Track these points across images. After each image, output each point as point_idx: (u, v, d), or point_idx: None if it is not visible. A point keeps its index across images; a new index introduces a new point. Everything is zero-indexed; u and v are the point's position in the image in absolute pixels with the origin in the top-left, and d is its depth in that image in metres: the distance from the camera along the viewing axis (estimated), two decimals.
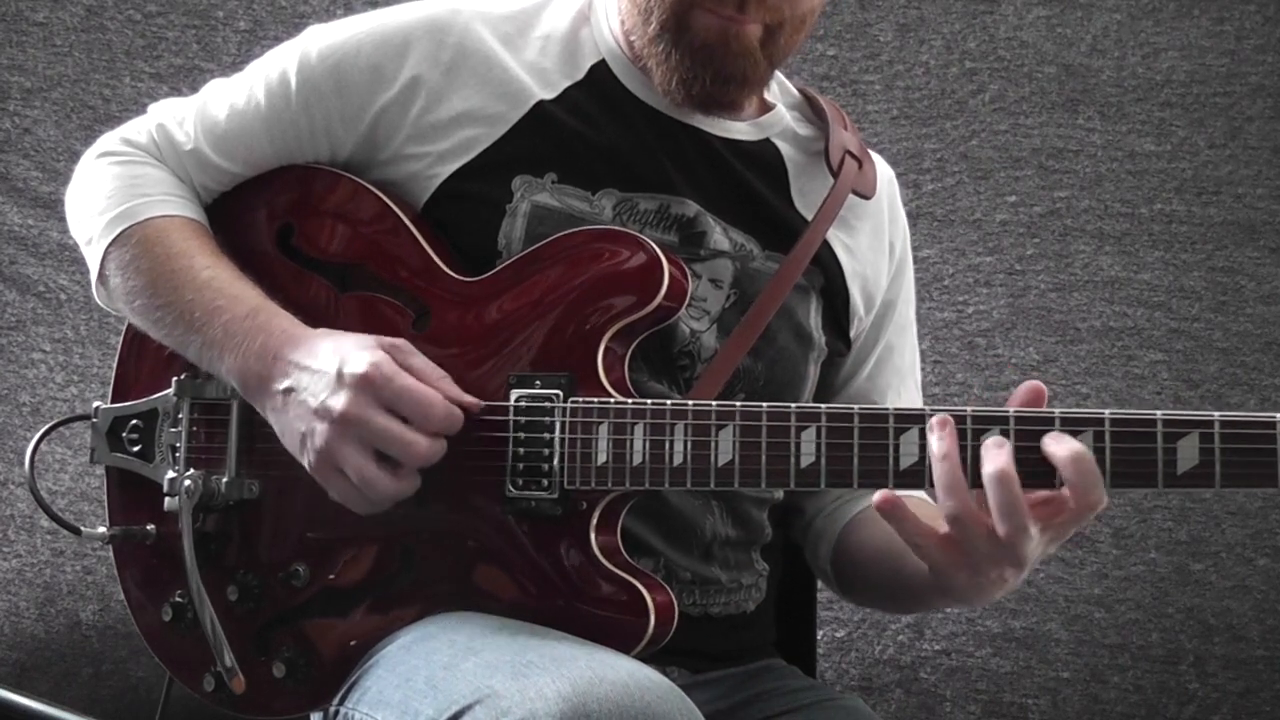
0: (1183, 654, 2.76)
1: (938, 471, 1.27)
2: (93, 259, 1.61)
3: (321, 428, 1.38)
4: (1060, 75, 2.89)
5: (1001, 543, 1.27)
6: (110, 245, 1.58)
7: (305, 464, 1.42)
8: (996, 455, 1.25)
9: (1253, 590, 2.76)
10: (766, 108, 1.69)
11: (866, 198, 1.67)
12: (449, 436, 1.40)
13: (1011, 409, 1.29)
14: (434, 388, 1.39)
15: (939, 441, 1.27)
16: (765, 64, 1.55)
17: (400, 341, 1.42)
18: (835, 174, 1.63)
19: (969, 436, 1.29)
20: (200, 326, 1.50)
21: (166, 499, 1.55)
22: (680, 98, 1.55)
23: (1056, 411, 1.28)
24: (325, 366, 1.39)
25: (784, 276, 1.56)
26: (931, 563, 1.33)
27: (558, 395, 1.41)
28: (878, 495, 1.29)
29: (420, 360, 1.41)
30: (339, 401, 1.36)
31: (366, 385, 1.36)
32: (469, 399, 1.41)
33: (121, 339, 1.69)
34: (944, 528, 1.29)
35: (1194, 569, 2.77)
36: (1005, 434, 1.28)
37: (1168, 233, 2.85)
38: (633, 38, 1.58)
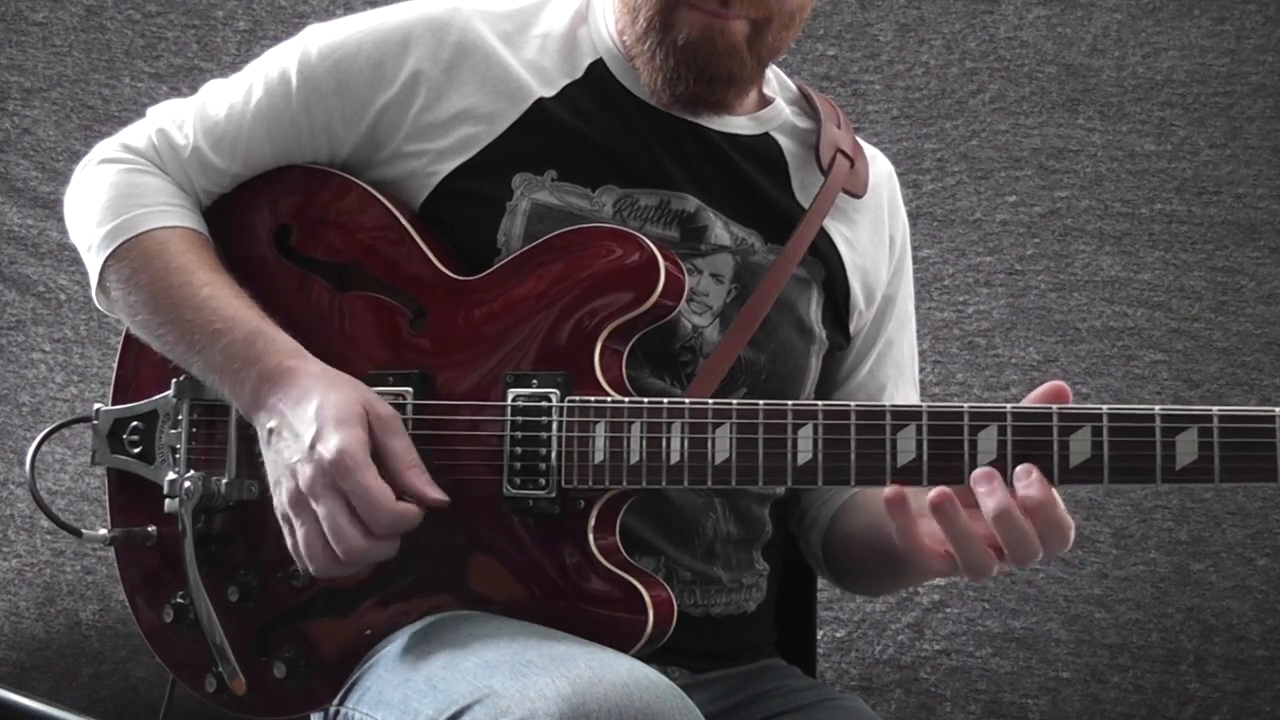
0: (1183, 654, 2.76)
1: (948, 531, 1.29)
2: (92, 268, 1.61)
3: (288, 485, 1.40)
4: (1060, 75, 2.89)
5: (1008, 561, 1.30)
6: (109, 258, 1.58)
7: (274, 505, 1.43)
8: (991, 492, 1.27)
9: (1253, 590, 2.76)
10: (766, 102, 1.69)
11: (857, 196, 1.67)
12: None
13: (1008, 406, 1.29)
14: (403, 476, 1.38)
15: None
16: (753, 62, 1.55)
17: (389, 415, 1.41)
18: (825, 172, 1.63)
19: (965, 435, 1.30)
20: (201, 349, 1.50)
21: (167, 500, 1.55)
22: (666, 98, 1.56)
23: (1054, 408, 1.28)
24: (303, 429, 1.39)
25: (780, 269, 1.56)
26: (929, 568, 1.35)
27: (554, 394, 1.41)
28: (888, 489, 1.30)
29: (399, 443, 1.40)
30: (304, 473, 1.37)
31: (331, 470, 1.36)
32: (434, 495, 1.39)
33: (122, 340, 1.69)
34: (950, 547, 1.31)
35: (1194, 569, 2.77)
36: (1002, 430, 1.29)
37: (1168, 233, 2.85)
38: (624, 36, 1.58)
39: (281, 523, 1.43)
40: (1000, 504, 1.26)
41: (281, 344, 1.48)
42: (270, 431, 1.43)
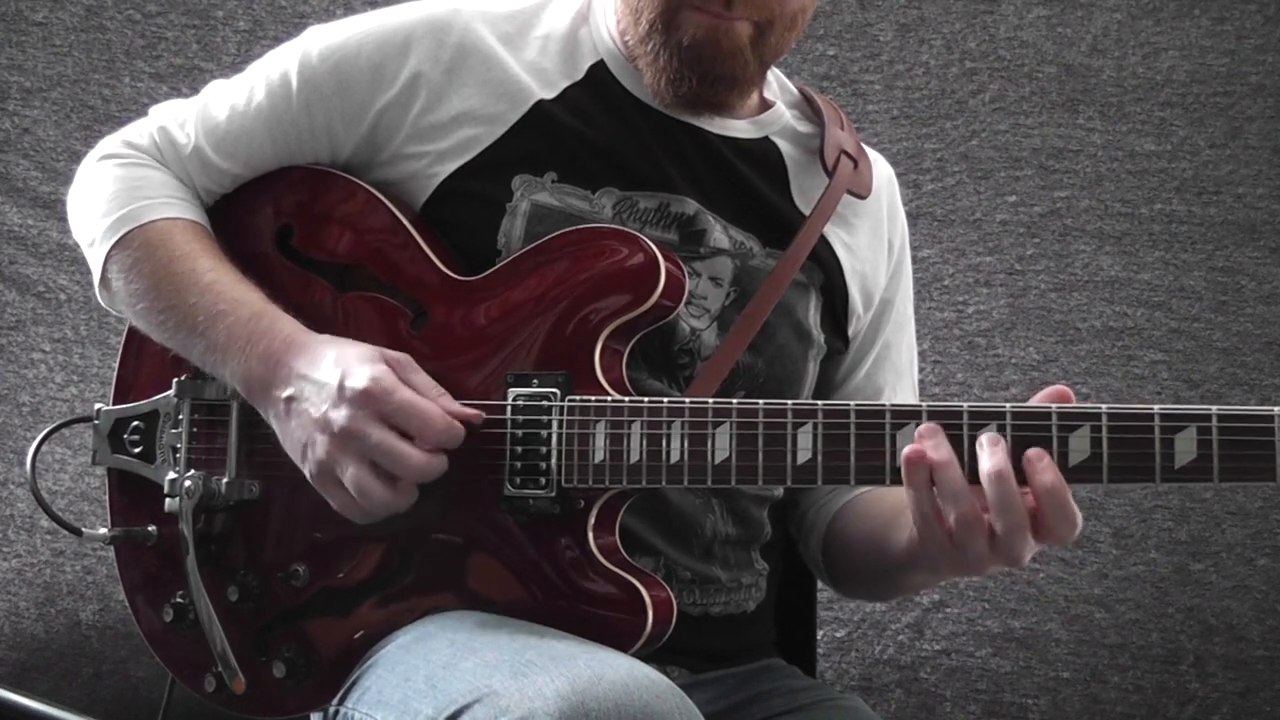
0: (1183, 654, 2.76)
1: (939, 479, 1.27)
2: (95, 262, 1.61)
3: (322, 439, 1.39)
4: (1060, 75, 2.89)
5: (999, 541, 1.28)
6: (113, 248, 1.58)
7: (306, 473, 1.42)
8: (993, 452, 1.26)
9: (1253, 590, 2.76)
10: (766, 105, 1.69)
11: (861, 198, 1.67)
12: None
13: (1008, 405, 1.29)
14: (436, 404, 1.39)
15: (935, 450, 1.28)
16: (755, 64, 1.55)
17: (402, 356, 1.42)
18: (830, 174, 1.63)
19: (965, 431, 1.30)
20: (204, 330, 1.50)
21: (167, 500, 1.55)
22: (669, 98, 1.56)
23: (1053, 407, 1.28)
24: (327, 378, 1.39)
25: (781, 273, 1.56)
26: (926, 555, 1.33)
27: (555, 394, 1.41)
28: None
29: (421, 377, 1.41)
30: (340, 415, 1.37)
31: (367, 400, 1.36)
32: (470, 411, 1.40)
33: (123, 340, 1.69)
34: (949, 523, 1.29)
35: (1194, 569, 2.77)
36: (1002, 430, 1.28)
37: (1168, 233, 2.85)
38: (626, 37, 1.58)
39: (319, 485, 1.42)
40: (997, 465, 1.25)
41: (286, 321, 1.48)
42: (289, 399, 1.42)
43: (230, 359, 1.48)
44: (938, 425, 1.29)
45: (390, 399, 1.36)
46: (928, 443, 1.28)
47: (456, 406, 1.40)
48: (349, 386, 1.37)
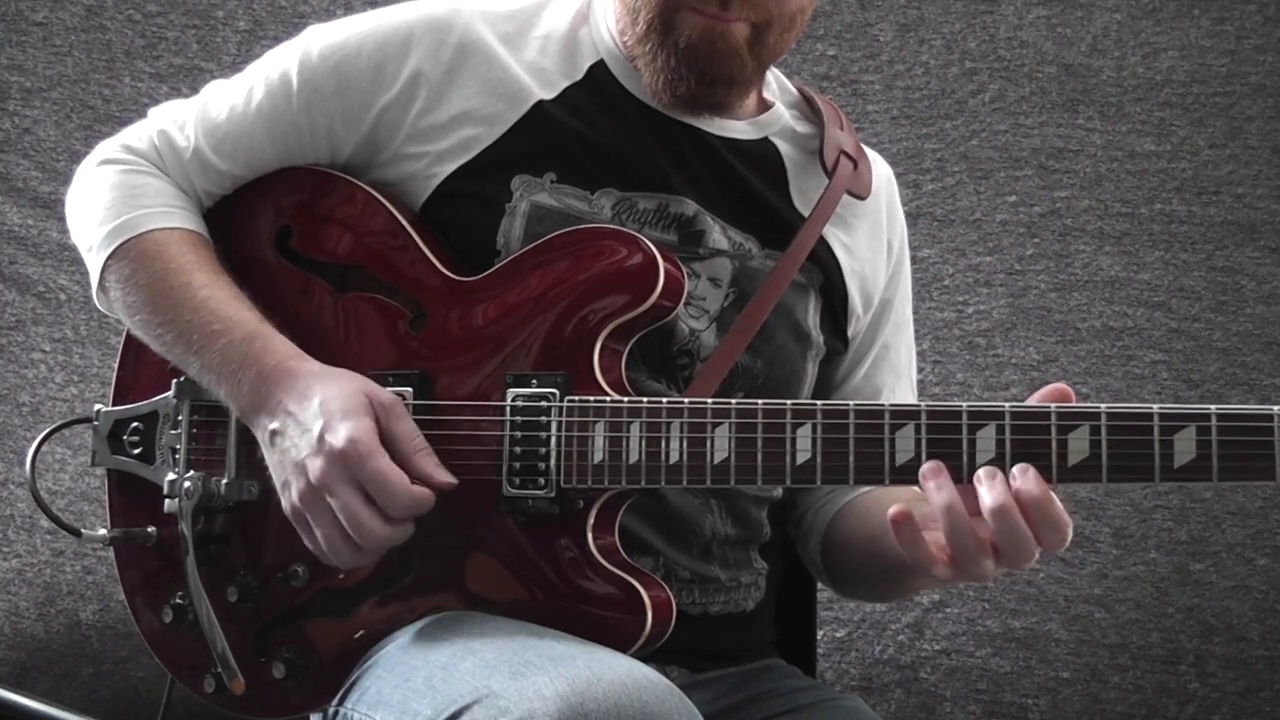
0: (1183, 654, 2.76)
1: (944, 523, 1.28)
2: (93, 268, 1.61)
3: (298, 485, 1.39)
4: (1060, 75, 2.89)
5: (1003, 563, 1.29)
6: (110, 258, 1.58)
7: (283, 507, 1.43)
8: (992, 487, 1.26)
9: (1253, 590, 2.76)
10: (765, 106, 1.69)
11: (861, 198, 1.67)
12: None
13: (1007, 405, 1.29)
14: (411, 461, 1.38)
15: (938, 491, 1.28)
16: (753, 64, 1.55)
17: (392, 401, 1.41)
18: (830, 174, 1.63)
19: (964, 432, 1.30)
20: (198, 349, 1.50)
21: (166, 501, 1.55)
22: (667, 99, 1.56)
23: (1053, 407, 1.28)
24: (310, 423, 1.39)
25: (780, 275, 1.56)
26: (930, 574, 1.34)
27: (554, 394, 1.41)
28: (892, 509, 1.29)
29: (405, 427, 1.40)
30: (315, 467, 1.37)
31: (343, 460, 1.35)
32: (443, 477, 1.39)
33: (122, 341, 1.69)
34: (948, 550, 1.30)
35: (1194, 569, 2.77)
36: (1000, 429, 1.28)
37: (1168, 233, 2.85)
38: (625, 37, 1.58)
39: (295, 523, 1.42)
40: (998, 500, 1.26)
41: (279, 345, 1.48)
42: (274, 433, 1.43)
43: (223, 381, 1.48)
44: (941, 465, 1.29)
45: (363, 466, 1.35)
46: (931, 483, 1.28)
47: (431, 467, 1.39)
48: (328, 441, 1.36)
